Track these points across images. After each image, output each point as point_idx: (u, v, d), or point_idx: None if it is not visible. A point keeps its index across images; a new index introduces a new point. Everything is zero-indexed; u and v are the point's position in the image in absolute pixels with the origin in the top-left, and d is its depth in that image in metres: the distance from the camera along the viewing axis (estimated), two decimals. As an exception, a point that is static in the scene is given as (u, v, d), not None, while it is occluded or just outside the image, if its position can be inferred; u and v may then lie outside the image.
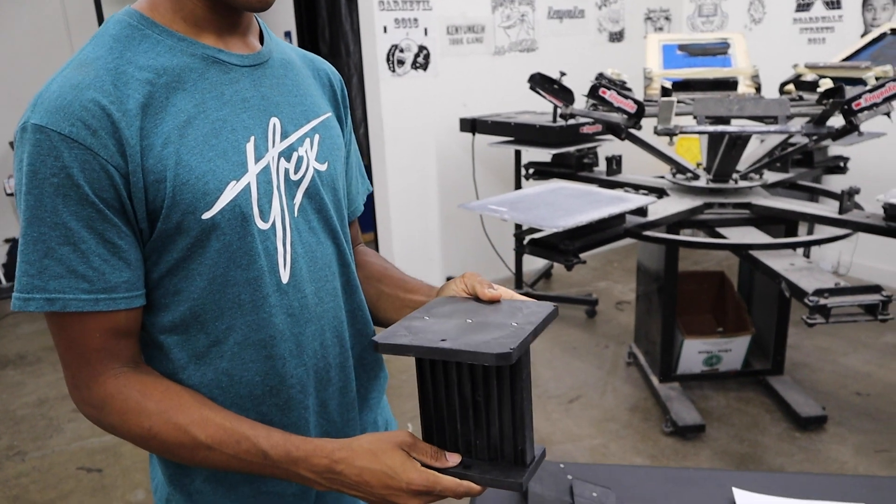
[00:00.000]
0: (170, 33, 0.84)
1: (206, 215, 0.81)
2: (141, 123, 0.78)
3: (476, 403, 0.82)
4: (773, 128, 2.37)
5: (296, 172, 0.90)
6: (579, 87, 3.34)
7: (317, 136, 0.94)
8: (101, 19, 5.12)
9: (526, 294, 4.02)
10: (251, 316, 0.86)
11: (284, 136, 0.90)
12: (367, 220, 5.07)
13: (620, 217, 2.26)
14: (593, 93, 2.43)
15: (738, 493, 1.04)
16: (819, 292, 2.05)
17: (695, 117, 2.44)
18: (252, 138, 0.86)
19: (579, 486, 1.00)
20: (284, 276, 0.88)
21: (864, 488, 1.08)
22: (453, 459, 0.83)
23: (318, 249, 0.93)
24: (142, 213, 0.80)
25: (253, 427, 0.83)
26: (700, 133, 2.49)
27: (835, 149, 3.63)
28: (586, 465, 1.13)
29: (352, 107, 5.65)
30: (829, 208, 2.59)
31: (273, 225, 0.87)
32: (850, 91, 2.44)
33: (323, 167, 0.95)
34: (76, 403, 0.84)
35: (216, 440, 0.81)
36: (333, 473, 0.81)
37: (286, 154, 0.89)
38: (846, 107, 2.33)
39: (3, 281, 4.93)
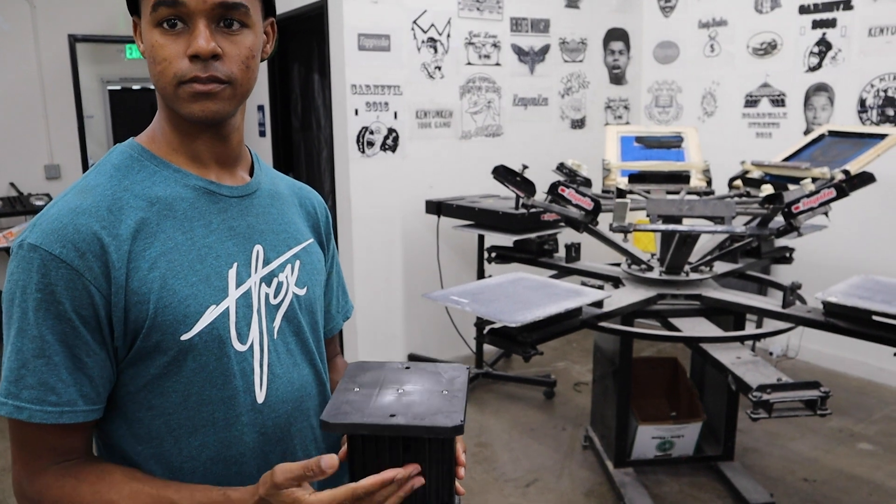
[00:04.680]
0: (166, 165, 0.92)
1: (185, 336, 0.87)
2: (130, 247, 0.85)
3: None
4: (719, 228, 2.52)
5: (275, 297, 0.97)
6: (542, 171, 3.50)
7: (297, 262, 1.02)
8: (76, 83, 5.21)
9: (486, 374, 4.08)
10: (224, 433, 0.91)
11: (266, 262, 0.97)
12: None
13: (577, 310, 2.36)
14: (553, 190, 2.56)
15: None
16: (762, 388, 2.15)
17: (648, 215, 2.58)
18: (235, 264, 0.93)
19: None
20: (260, 396, 0.93)
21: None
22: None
23: (294, 371, 0.99)
24: (119, 332, 0.86)
25: (178, 490, 0.86)
26: (651, 231, 2.63)
27: (781, 240, 3.82)
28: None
29: (321, 179, 5.77)
30: (774, 301, 2.72)
31: (251, 347, 0.93)
32: (789, 195, 2.61)
33: (302, 292, 1.02)
34: (17, 498, 0.90)
35: None
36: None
37: (267, 279, 0.96)
38: (786, 210, 2.50)
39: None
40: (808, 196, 2.52)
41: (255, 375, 0.93)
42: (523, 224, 3.48)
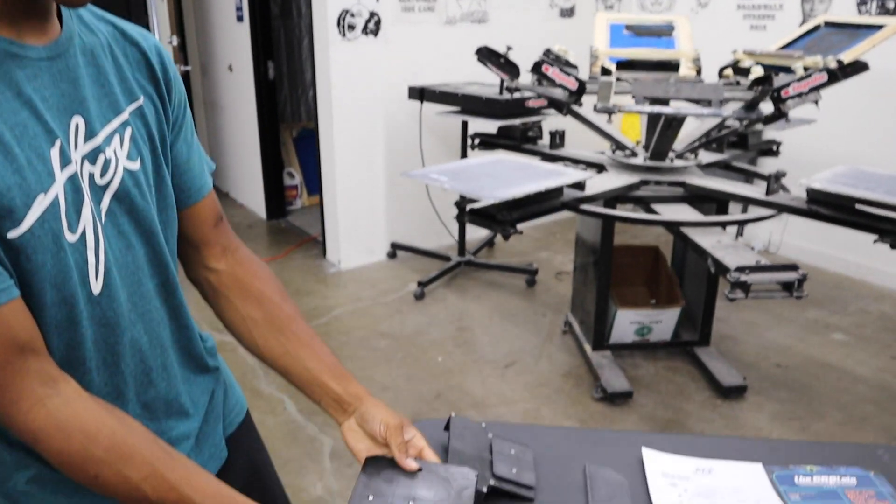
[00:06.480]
0: None
1: (12, 234, 0.72)
2: None
3: None
4: (705, 110, 2.47)
5: (102, 176, 0.84)
6: (528, 60, 3.39)
7: (128, 131, 0.87)
8: None
9: (468, 263, 4.10)
10: (68, 334, 0.81)
11: (90, 136, 0.82)
12: (313, 182, 5.07)
13: (558, 190, 2.34)
14: (536, 69, 2.48)
15: (647, 452, 1.12)
16: (740, 269, 2.16)
17: (634, 97, 2.52)
18: (58, 142, 0.77)
19: (498, 443, 1.07)
20: (96, 288, 0.82)
21: (763, 450, 1.17)
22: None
23: (128, 254, 0.87)
24: None
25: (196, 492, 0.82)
26: (637, 112, 2.57)
27: (768, 133, 3.76)
28: (507, 424, 1.20)
29: (301, 69, 5.59)
30: (757, 189, 2.71)
31: (83, 235, 0.80)
32: (779, 79, 2.55)
33: (135, 165, 0.88)
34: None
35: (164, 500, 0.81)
36: None
37: (91, 157, 0.82)
38: (775, 94, 2.44)
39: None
40: (798, 80, 2.46)
41: (90, 266, 0.81)
42: (507, 110, 3.41)
